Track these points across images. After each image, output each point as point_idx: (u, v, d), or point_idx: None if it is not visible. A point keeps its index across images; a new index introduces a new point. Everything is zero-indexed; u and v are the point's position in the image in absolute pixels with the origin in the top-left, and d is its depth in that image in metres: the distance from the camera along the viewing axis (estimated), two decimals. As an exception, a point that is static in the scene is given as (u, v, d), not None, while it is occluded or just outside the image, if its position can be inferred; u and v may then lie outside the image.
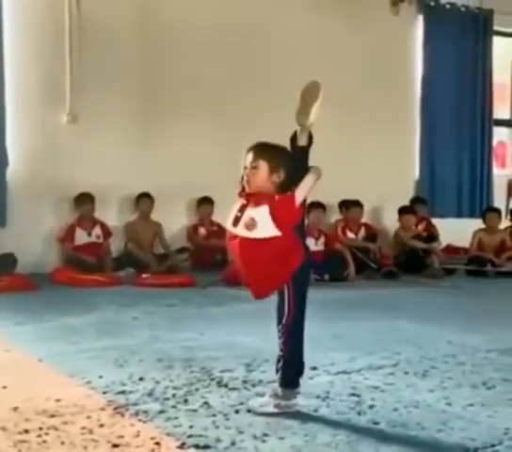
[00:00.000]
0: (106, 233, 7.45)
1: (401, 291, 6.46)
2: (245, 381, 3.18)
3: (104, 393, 3.00)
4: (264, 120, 8.18)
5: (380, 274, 7.23)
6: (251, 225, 2.62)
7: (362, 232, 7.70)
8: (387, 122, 9.00)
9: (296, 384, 2.78)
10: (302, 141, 2.76)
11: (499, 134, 10.35)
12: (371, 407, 2.82)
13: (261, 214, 2.63)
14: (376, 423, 2.64)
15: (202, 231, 7.97)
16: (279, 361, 2.78)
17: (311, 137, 2.78)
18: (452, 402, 2.91)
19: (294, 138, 2.78)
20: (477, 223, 9.17)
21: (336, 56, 8.57)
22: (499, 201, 9.86)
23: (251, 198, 2.68)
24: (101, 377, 3.22)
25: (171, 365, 3.46)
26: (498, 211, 8.03)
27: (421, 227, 8.32)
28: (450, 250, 8.70)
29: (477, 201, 9.88)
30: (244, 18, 8.17)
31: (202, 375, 3.29)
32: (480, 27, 9.65)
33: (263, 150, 2.71)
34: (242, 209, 2.68)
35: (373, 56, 8.79)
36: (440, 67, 9.41)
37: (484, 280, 7.40)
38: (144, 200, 7.67)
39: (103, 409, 2.78)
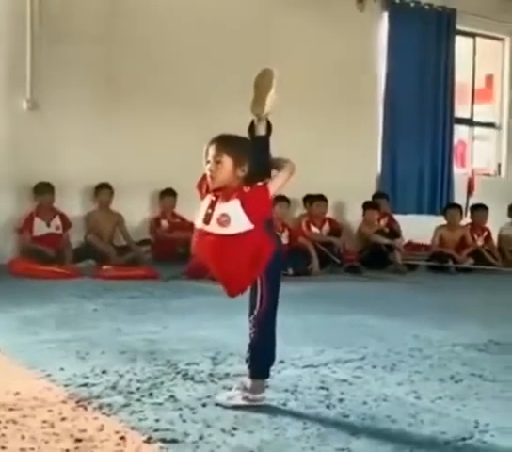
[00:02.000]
0: (66, 223, 7.30)
1: (365, 286, 6.47)
2: (211, 375, 3.11)
3: (66, 385, 2.89)
4: (231, 109, 8.06)
5: (344, 269, 7.23)
6: (225, 221, 2.55)
7: (326, 226, 7.69)
8: (350, 118, 9.01)
9: (267, 375, 2.72)
10: (261, 131, 2.69)
11: (459, 133, 10.44)
12: (340, 400, 2.78)
13: (233, 208, 2.57)
14: (345, 416, 2.60)
15: (165, 223, 7.86)
16: (249, 351, 2.72)
17: (269, 126, 2.71)
18: (420, 396, 2.88)
19: (251, 129, 2.71)
20: (437, 220, 9.27)
21: (301, 50, 8.54)
22: (458, 198, 9.95)
23: (220, 193, 2.61)
24: (62, 369, 3.12)
25: (135, 358, 3.37)
26: (459, 207, 8.10)
27: (383, 222, 8.35)
28: (411, 246, 8.74)
29: (438, 198, 9.98)
30: (211, 5, 8.06)
31: (167, 368, 3.21)
32: (443, 26, 9.73)
33: (226, 143, 2.62)
34: (212, 205, 2.61)
35: (338, 52, 8.80)
36: (404, 64, 9.46)
37: (445, 275, 7.46)
38: (103, 190, 7.53)
39: (64, 402, 2.68)
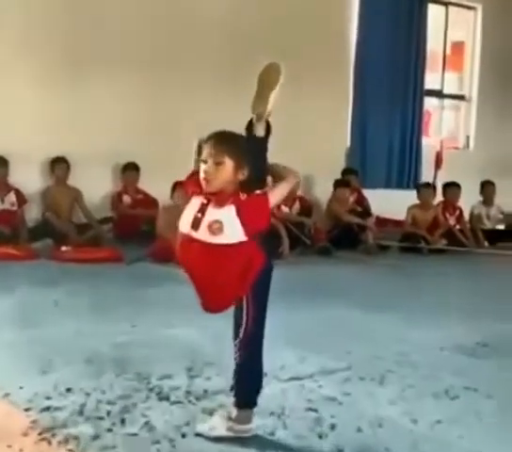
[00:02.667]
0: (21, 199, 6.87)
1: (338, 271, 6.20)
2: (188, 392, 2.84)
3: (27, 409, 2.60)
4: (198, 83, 7.71)
5: (314, 250, 6.96)
6: (217, 229, 2.24)
7: (297, 205, 7.35)
8: (318, 88, 8.60)
9: (254, 403, 2.46)
10: (260, 132, 2.40)
11: (427, 102, 10.14)
12: (332, 427, 2.54)
13: (227, 215, 2.26)
14: (340, 450, 2.36)
15: (127, 199, 7.47)
16: (234, 377, 2.44)
17: (269, 127, 2.41)
18: (417, 418, 2.66)
19: (249, 128, 2.40)
20: (405, 194, 9.05)
21: (270, 17, 8.10)
22: (426, 173, 9.71)
23: (213, 196, 2.30)
24: (21, 387, 2.81)
25: (102, 370, 3.07)
26: (433, 186, 7.87)
27: (352, 199, 8.07)
28: (378, 221, 8.48)
29: (406, 173, 9.73)
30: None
31: (139, 383, 2.93)
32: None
33: (228, 142, 2.29)
34: (202, 209, 2.29)
35: (307, 17, 8.37)
36: (375, 32, 9.09)
37: (418, 257, 7.26)
38: (59, 164, 7.08)
39: (25, 434, 2.38)
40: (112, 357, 3.28)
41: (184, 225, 2.32)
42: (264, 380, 2.92)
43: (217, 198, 2.28)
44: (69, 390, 2.81)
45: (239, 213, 2.26)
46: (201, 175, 2.28)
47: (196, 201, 2.32)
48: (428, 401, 2.87)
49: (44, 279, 5.18)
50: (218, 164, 2.26)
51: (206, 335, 3.59)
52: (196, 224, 2.27)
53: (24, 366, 3.11)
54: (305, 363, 3.30)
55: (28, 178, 6.99)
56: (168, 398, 2.76)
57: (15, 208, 6.80)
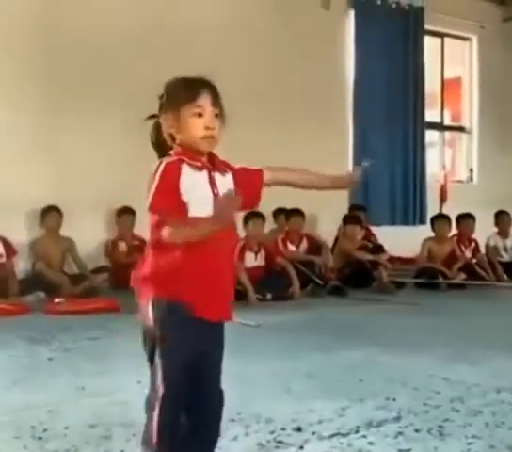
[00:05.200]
0: (10, 250, 6.41)
1: (356, 310, 5.75)
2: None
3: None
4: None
5: (326, 290, 6.50)
6: None
7: (304, 244, 6.93)
8: (318, 126, 8.37)
9: None
10: None
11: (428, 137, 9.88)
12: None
13: (230, 185, 1.85)
14: None
15: (123, 246, 7.03)
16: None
17: None
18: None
19: None
20: (412, 231, 8.72)
21: (265, 51, 7.87)
22: (431, 207, 9.35)
23: (210, 161, 1.86)
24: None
25: (108, 436, 2.57)
26: (448, 218, 7.46)
27: (360, 236, 7.67)
28: (390, 260, 8.09)
29: (411, 208, 9.42)
30: (162, 11, 7.32)
31: (153, 448, 2.43)
32: (411, 25, 9.19)
33: (217, 92, 1.86)
34: (212, 181, 1.84)
35: (304, 53, 8.17)
36: (372, 65, 8.89)
37: (437, 293, 6.80)
38: (51, 214, 6.67)
39: None
40: (118, 420, 2.77)
41: (204, 209, 1.78)
42: (301, 437, 2.49)
43: (217, 162, 1.86)
44: (70, 464, 2.31)
45: (236, 182, 1.86)
46: (202, 132, 1.81)
47: (198, 174, 1.82)
48: (505, 456, 2.39)
49: (37, 334, 4.68)
50: (217, 116, 1.83)
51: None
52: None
53: (16, 438, 2.59)
54: (346, 415, 2.80)
55: (14, 228, 6.55)
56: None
57: (3, 260, 6.34)
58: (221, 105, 1.85)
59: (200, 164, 1.84)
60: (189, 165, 1.82)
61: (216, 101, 1.83)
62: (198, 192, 1.80)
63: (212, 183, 1.83)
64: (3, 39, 6.60)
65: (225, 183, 1.86)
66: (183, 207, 1.80)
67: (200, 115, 1.81)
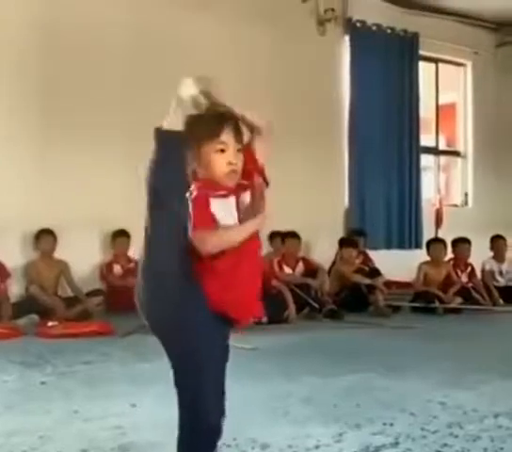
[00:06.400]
0: (3, 273, 6.36)
1: (351, 334, 5.71)
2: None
3: None
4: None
5: (322, 314, 6.46)
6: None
7: (300, 267, 6.91)
8: (313, 151, 8.40)
9: None
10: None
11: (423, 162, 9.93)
12: None
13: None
14: None
15: (118, 269, 7.00)
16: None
17: None
18: None
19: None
20: (407, 255, 8.71)
21: (260, 76, 7.92)
22: (427, 231, 9.35)
23: (232, 189, 1.87)
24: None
25: (102, 461, 2.53)
26: (443, 242, 7.45)
27: (358, 260, 7.66)
28: (386, 284, 8.07)
29: (406, 232, 9.40)
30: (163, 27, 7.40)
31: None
32: (406, 51, 9.27)
33: (240, 127, 1.86)
34: (237, 198, 1.87)
35: (298, 78, 8.20)
36: (368, 90, 8.91)
37: (433, 317, 6.76)
38: (45, 237, 6.64)
39: None
40: (112, 445, 2.73)
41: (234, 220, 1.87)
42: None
43: (238, 186, 1.87)
44: (62, 489, 2.27)
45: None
46: (226, 168, 1.82)
47: (225, 203, 1.84)
48: (504, 482, 2.35)
49: (30, 358, 4.62)
50: (240, 151, 1.83)
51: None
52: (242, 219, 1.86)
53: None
54: (344, 441, 2.76)
55: (8, 251, 6.50)
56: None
57: (-4, 283, 6.30)
58: (242, 140, 1.86)
59: (225, 192, 1.85)
60: (215, 197, 1.83)
61: (238, 136, 1.83)
62: (229, 220, 1.84)
63: (238, 209, 1.86)
64: None
65: (245, 198, 1.88)
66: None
67: (222, 151, 1.81)
